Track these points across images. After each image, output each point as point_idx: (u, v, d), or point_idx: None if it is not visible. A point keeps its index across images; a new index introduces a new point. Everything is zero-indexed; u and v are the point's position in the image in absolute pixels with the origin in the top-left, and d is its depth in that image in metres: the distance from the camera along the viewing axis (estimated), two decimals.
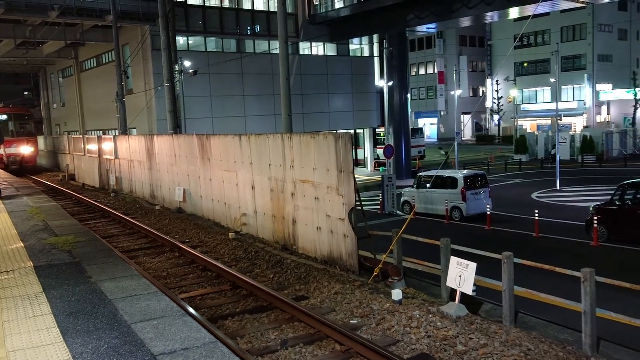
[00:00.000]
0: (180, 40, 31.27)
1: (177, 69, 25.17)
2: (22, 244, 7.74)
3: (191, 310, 8.33)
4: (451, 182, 20.68)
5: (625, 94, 55.93)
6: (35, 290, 5.57)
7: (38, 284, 5.76)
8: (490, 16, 32.56)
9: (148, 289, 5.46)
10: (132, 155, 24.07)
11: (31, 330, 4.48)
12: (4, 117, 34.76)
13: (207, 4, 33.41)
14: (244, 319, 8.71)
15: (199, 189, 18.10)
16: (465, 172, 22.29)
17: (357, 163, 38.84)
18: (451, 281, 9.22)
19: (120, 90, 27.90)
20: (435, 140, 71.20)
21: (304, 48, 37.67)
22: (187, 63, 28.85)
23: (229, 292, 10.13)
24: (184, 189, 19.03)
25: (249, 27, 34.70)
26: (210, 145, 16.94)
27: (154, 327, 4.43)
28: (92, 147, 29.42)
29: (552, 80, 48.13)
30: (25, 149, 34.82)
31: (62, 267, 6.40)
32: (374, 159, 40.45)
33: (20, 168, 34.25)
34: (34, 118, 37.56)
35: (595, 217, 15.49)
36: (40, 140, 42.67)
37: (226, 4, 34.61)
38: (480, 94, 72.67)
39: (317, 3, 36.99)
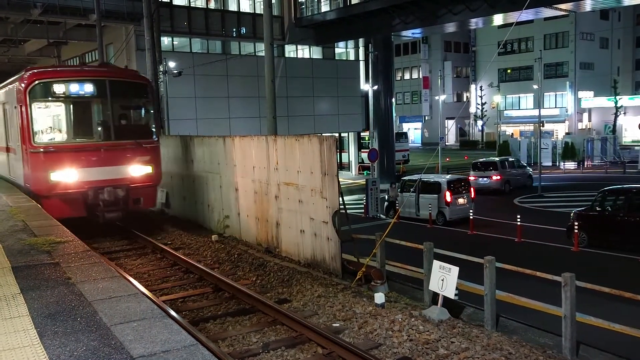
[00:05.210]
0: (165, 40, 31.08)
1: (162, 69, 25.01)
2: (0, 245, 7.61)
3: (172, 312, 8.26)
4: (435, 187, 20.79)
5: (606, 101, 56.79)
6: (13, 291, 5.47)
7: (15, 285, 5.66)
8: (475, 22, 32.89)
9: (128, 291, 5.38)
10: None
11: (8, 332, 4.39)
12: (88, 88, 13.65)
13: (192, 4, 33.25)
14: (226, 322, 8.65)
15: (181, 191, 17.96)
16: (448, 176, 22.45)
17: (342, 166, 38.88)
18: (434, 285, 9.25)
19: None
20: (420, 144, 71.59)
21: (290, 51, 37.65)
22: (171, 64, 28.67)
23: (211, 295, 10.06)
24: (166, 191, 18.86)
25: (234, 29, 34.59)
26: (193, 147, 16.83)
27: (134, 329, 4.36)
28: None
29: (535, 87, 48.71)
30: (135, 170, 14.00)
31: (41, 268, 6.29)
32: (359, 162, 40.53)
33: (121, 215, 14.07)
34: (154, 94, 17.05)
35: (576, 223, 15.67)
36: None
37: (212, 5, 34.48)
38: (465, 99, 73.27)
39: (303, 6, 37.01)
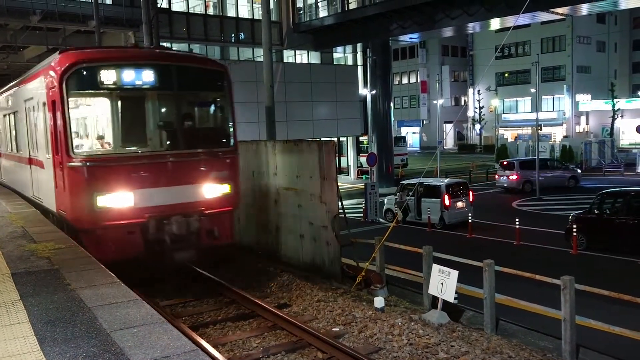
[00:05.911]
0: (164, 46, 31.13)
1: None
2: (0, 251, 7.61)
3: (172, 318, 8.25)
4: (434, 191, 20.81)
5: (603, 104, 56.87)
6: (12, 297, 5.47)
7: (15, 292, 5.66)
8: (472, 27, 32.96)
9: (128, 297, 5.39)
10: None
11: (7, 339, 4.39)
12: (148, 76, 9.52)
13: (191, 11, 33.34)
14: (226, 327, 8.65)
15: None
16: (447, 180, 22.44)
17: (341, 171, 38.90)
18: (433, 289, 9.26)
19: None
20: (418, 149, 71.64)
21: (288, 56, 37.71)
22: None
23: (210, 300, 10.04)
24: None
25: (233, 35, 34.67)
26: None
27: (134, 335, 4.37)
28: None
29: (533, 90, 48.82)
30: (210, 190, 9.89)
31: (41, 274, 6.29)
32: (357, 167, 40.56)
33: (195, 255, 9.90)
34: (231, 86, 10.79)
35: (575, 226, 15.68)
36: None
37: (211, 11, 34.56)
38: (462, 103, 73.36)
39: (301, 12, 37.11)
